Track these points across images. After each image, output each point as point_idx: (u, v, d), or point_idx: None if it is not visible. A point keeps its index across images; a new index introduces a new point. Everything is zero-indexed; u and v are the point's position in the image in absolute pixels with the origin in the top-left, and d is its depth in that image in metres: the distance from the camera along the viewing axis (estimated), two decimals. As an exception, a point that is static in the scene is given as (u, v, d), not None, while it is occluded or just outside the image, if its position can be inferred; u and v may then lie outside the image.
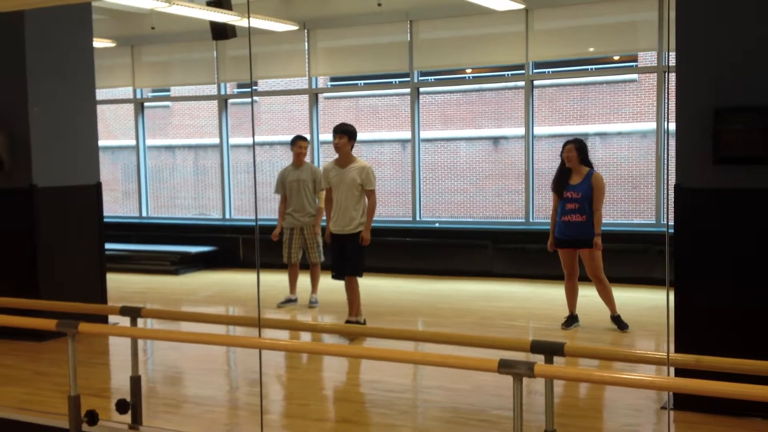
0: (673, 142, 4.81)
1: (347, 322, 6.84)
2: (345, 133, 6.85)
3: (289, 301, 8.27)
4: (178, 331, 5.35)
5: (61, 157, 7.04)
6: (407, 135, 10.71)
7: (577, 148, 6.82)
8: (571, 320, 7.00)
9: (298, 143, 8.21)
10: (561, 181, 6.88)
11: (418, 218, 10.52)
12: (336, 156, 6.99)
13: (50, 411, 4.72)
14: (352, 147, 6.91)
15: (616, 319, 6.85)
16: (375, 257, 9.99)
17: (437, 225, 10.49)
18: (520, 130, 10.07)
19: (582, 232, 6.78)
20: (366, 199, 6.91)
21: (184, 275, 10.58)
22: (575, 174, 6.84)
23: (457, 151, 12.90)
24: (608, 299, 6.88)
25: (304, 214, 8.05)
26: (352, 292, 6.95)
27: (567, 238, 6.87)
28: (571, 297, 7.01)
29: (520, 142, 10.19)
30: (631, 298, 7.83)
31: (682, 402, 4.62)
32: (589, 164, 6.91)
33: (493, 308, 8.11)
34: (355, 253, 6.89)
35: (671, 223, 4.83)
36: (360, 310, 6.97)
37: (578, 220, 6.78)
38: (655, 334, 6.86)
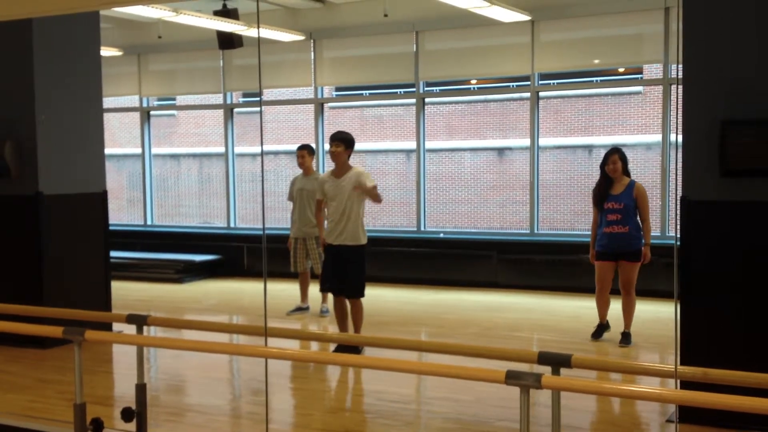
0: (679, 155, 4.81)
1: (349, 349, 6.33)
2: (342, 141, 6.55)
3: (299, 309, 8.27)
4: (186, 340, 5.34)
5: (68, 165, 7.06)
6: (412, 145, 10.71)
7: (621, 158, 6.71)
8: (602, 329, 6.93)
9: (298, 152, 8.22)
10: (602, 192, 6.74)
11: (422, 228, 10.51)
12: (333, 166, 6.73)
13: (54, 418, 4.71)
14: (349, 156, 6.59)
15: (626, 335, 6.82)
16: (379, 267, 10.00)
17: (442, 235, 10.48)
18: (525, 141, 10.07)
19: (625, 244, 6.66)
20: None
21: (189, 284, 10.58)
22: (617, 184, 6.72)
23: (462, 161, 12.90)
24: (629, 314, 6.82)
25: (307, 224, 8.03)
26: (356, 313, 6.60)
27: (608, 250, 6.72)
28: (603, 308, 6.91)
29: (525, 153, 10.19)
30: (636, 310, 7.80)
31: (688, 415, 4.60)
32: (629, 174, 6.81)
33: (497, 319, 8.10)
34: (358, 272, 6.57)
35: (678, 235, 4.82)
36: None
37: (621, 231, 6.65)
38: (660, 346, 6.85)
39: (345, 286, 6.59)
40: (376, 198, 6.65)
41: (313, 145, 10.63)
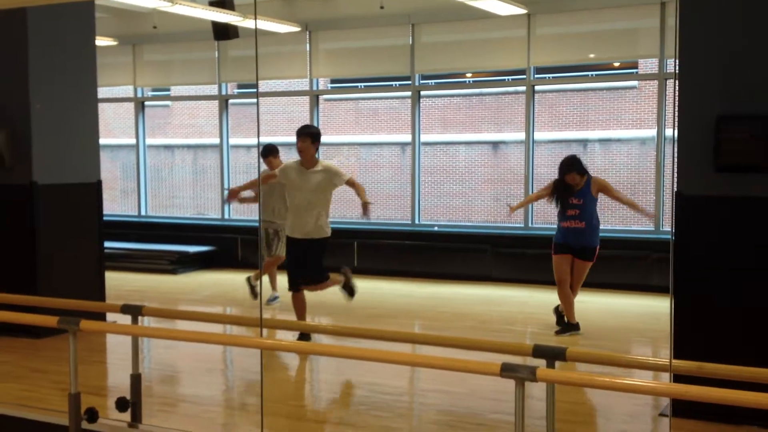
0: (674, 149, 4.83)
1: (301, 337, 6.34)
2: (309, 135, 6.54)
3: (275, 299, 8.34)
4: (181, 330, 5.32)
5: (62, 155, 7.04)
6: (407, 138, 10.71)
7: (577, 171, 6.77)
8: (570, 327, 6.92)
9: (266, 159, 8.10)
10: (564, 196, 6.82)
11: (417, 221, 10.52)
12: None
13: (48, 408, 4.71)
14: (316, 149, 6.60)
15: (562, 321, 6.95)
16: (374, 260, 10.01)
17: (436, 228, 10.49)
18: (520, 135, 10.08)
19: (581, 240, 6.79)
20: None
21: (183, 275, 10.57)
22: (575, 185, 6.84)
23: (457, 155, 12.90)
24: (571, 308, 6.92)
25: (279, 217, 7.98)
26: (301, 302, 6.61)
27: (565, 242, 6.85)
28: (568, 304, 6.94)
29: (519, 147, 10.20)
30: (629, 305, 7.84)
31: (680, 409, 4.63)
32: (586, 172, 6.87)
33: (491, 312, 8.11)
34: (318, 260, 6.60)
35: (672, 230, 4.84)
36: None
37: (578, 226, 6.78)
38: (653, 340, 6.88)
39: (307, 274, 6.59)
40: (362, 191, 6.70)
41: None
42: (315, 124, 11.00)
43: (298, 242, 6.57)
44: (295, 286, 6.65)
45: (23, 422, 4.48)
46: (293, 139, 8.75)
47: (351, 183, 6.68)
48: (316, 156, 6.63)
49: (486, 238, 9.90)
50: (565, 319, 6.91)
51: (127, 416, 4.28)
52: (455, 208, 12.27)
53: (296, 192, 6.56)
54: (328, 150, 12.27)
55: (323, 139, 11.13)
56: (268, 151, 8.06)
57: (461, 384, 5.37)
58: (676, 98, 4.60)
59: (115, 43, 11.54)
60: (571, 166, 6.80)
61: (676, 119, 4.67)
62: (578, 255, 6.82)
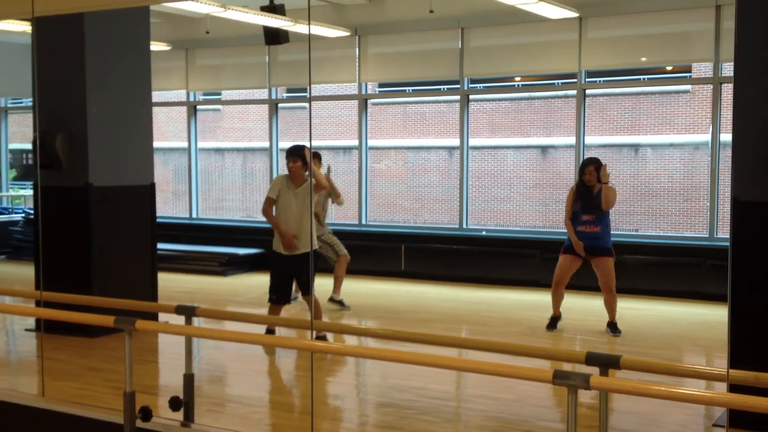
0: (730, 155, 4.73)
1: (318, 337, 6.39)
2: (298, 157, 6.70)
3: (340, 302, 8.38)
4: (235, 332, 5.39)
5: (117, 158, 7.17)
6: (454, 142, 10.68)
7: (596, 168, 7.14)
8: (555, 321, 7.29)
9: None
10: (586, 199, 7.11)
11: (464, 226, 10.48)
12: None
13: (102, 406, 4.80)
14: (305, 170, 6.73)
15: (613, 325, 7.07)
16: (421, 264, 10.00)
17: (484, 233, 10.44)
18: (569, 140, 9.97)
19: (596, 242, 7.04)
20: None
21: (232, 276, 10.69)
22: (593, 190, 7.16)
23: (505, 159, 12.83)
24: (613, 308, 7.12)
25: (322, 223, 8.15)
26: (317, 308, 6.61)
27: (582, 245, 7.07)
28: (558, 301, 7.30)
29: (568, 152, 10.10)
30: (682, 313, 7.70)
31: (736, 420, 4.53)
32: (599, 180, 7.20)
33: (539, 318, 8.02)
34: (310, 271, 6.65)
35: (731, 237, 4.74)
36: None
37: (594, 230, 7.07)
38: (706, 349, 6.75)
39: (305, 285, 6.70)
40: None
41: (356, 142, 10.73)
42: (363, 129, 11.04)
43: (289, 259, 6.62)
44: (278, 301, 6.68)
45: (80, 420, 4.58)
46: (341, 142, 8.84)
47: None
48: (305, 175, 6.74)
49: (534, 243, 9.81)
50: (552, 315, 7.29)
51: (179, 415, 4.34)
52: (503, 212, 12.21)
53: (283, 210, 6.67)
54: (375, 154, 12.31)
55: (371, 143, 11.29)
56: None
57: (509, 390, 5.33)
58: (734, 102, 4.50)
59: (168, 47, 11.74)
60: (591, 162, 7.18)
61: (733, 124, 4.58)
62: (595, 253, 7.04)
